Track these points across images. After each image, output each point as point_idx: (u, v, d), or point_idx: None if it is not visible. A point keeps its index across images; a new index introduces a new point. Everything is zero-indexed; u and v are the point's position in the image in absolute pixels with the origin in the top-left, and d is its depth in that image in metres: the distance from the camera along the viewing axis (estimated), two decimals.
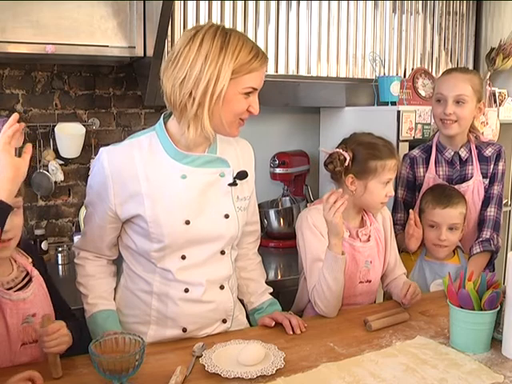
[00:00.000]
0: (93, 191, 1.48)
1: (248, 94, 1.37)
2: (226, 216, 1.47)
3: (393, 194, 1.74)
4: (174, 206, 1.41)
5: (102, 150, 1.44)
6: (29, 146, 1.23)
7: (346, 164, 1.68)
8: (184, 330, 1.48)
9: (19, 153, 1.22)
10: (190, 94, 1.33)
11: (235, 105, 1.36)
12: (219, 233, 1.47)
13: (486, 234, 1.98)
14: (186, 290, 1.45)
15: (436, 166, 2.05)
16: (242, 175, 1.50)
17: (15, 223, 1.28)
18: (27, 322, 1.30)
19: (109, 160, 1.41)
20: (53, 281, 1.45)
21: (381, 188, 1.69)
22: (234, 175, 1.48)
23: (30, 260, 1.39)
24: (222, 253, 1.50)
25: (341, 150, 1.70)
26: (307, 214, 1.74)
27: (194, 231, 1.43)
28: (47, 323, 1.26)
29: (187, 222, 1.41)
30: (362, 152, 1.69)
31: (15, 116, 1.19)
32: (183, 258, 1.44)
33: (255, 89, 1.38)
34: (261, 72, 1.38)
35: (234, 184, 1.48)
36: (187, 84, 1.33)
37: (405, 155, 2.14)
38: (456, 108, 1.94)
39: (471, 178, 2.02)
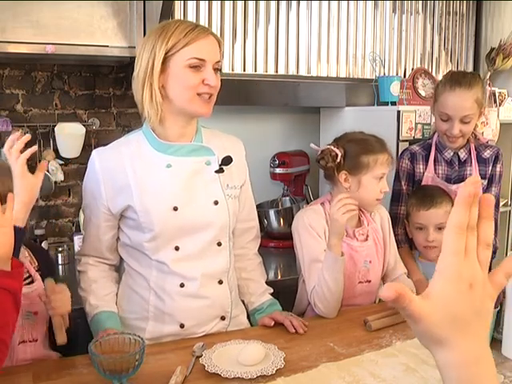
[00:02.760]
0: (87, 192, 1.52)
1: (196, 67, 1.40)
2: (216, 202, 1.49)
3: (387, 189, 1.73)
4: (161, 194, 1.45)
5: (93, 152, 1.51)
6: (43, 164, 1.32)
7: (338, 160, 1.68)
8: (182, 325, 1.49)
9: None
10: (143, 82, 1.41)
11: (183, 79, 1.40)
12: (209, 220, 1.48)
13: None
14: (182, 285, 1.47)
15: (435, 166, 2.05)
16: (227, 160, 1.52)
17: None
18: (27, 317, 1.30)
19: (99, 159, 1.48)
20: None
21: (375, 183, 1.69)
22: (220, 162, 1.51)
23: (36, 264, 1.39)
24: (219, 244, 1.51)
25: (332, 147, 1.70)
26: (303, 214, 1.75)
27: (184, 218, 1.45)
28: (51, 285, 1.29)
29: (175, 209, 1.44)
30: (354, 148, 1.69)
31: (24, 138, 1.29)
32: (177, 249, 1.46)
33: (201, 60, 1.40)
34: (202, 42, 1.41)
35: (220, 171, 1.50)
36: (139, 74, 1.43)
37: (405, 149, 2.13)
38: (462, 126, 1.92)
39: None
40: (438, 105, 1.96)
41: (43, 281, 1.38)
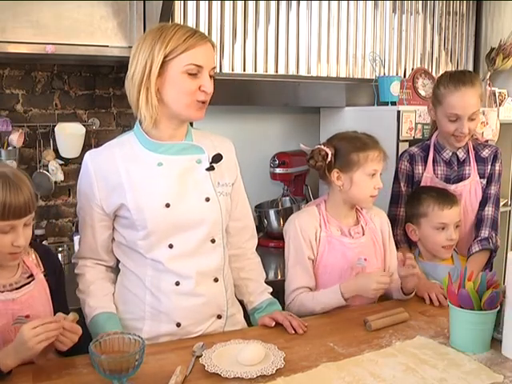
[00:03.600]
0: (81, 193, 1.54)
1: (193, 74, 1.41)
2: (207, 199, 1.50)
3: (381, 185, 1.73)
4: (153, 192, 1.46)
5: (86, 154, 1.52)
6: None
7: (329, 159, 1.70)
8: (178, 324, 1.49)
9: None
10: (139, 85, 1.42)
11: (181, 85, 1.42)
12: (201, 216, 1.49)
13: (485, 233, 1.98)
14: (177, 283, 1.47)
15: (434, 166, 2.05)
16: (217, 158, 1.53)
17: (27, 236, 1.31)
18: (19, 322, 1.28)
19: (92, 160, 1.50)
20: (63, 292, 1.46)
21: (367, 180, 1.70)
22: (210, 160, 1.52)
23: (43, 269, 1.39)
24: (213, 241, 1.52)
25: (322, 146, 1.72)
26: (296, 218, 1.77)
27: (176, 215, 1.46)
28: (72, 320, 1.28)
29: (167, 205, 1.45)
30: (344, 145, 1.71)
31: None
32: (171, 246, 1.47)
33: (199, 66, 1.42)
34: (200, 49, 1.42)
35: (211, 168, 1.52)
36: (134, 76, 1.43)
37: (404, 151, 2.14)
38: (470, 123, 1.94)
39: (468, 177, 2.03)
40: (445, 108, 1.95)
41: (49, 285, 1.39)
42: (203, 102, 1.46)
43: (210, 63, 1.45)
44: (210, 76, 1.45)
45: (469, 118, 1.93)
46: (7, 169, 1.29)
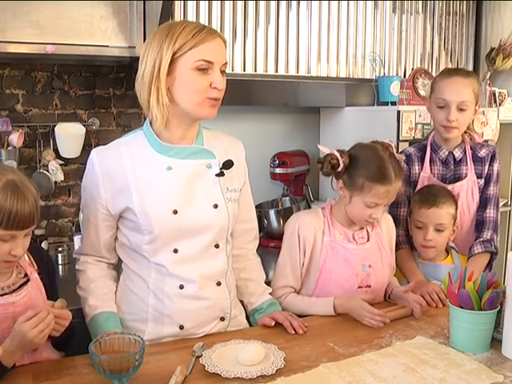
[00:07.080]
0: (86, 192, 1.52)
1: (203, 70, 1.39)
2: (215, 206, 1.48)
3: (377, 217, 1.64)
4: (161, 197, 1.44)
5: (92, 151, 1.50)
6: None
7: (339, 170, 1.63)
8: (181, 327, 1.48)
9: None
10: (150, 85, 1.40)
11: (191, 82, 1.39)
12: (208, 222, 1.48)
13: (487, 234, 1.98)
14: (181, 287, 1.46)
15: (431, 166, 2.05)
16: (228, 164, 1.51)
17: (26, 245, 1.30)
18: None
19: (98, 158, 1.47)
20: (56, 290, 1.45)
21: (363, 207, 1.63)
22: (221, 166, 1.50)
23: (36, 268, 1.39)
24: (217, 246, 1.51)
25: (336, 153, 1.64)
26: (297, 218, 1.75)
27: (183, 221, 1.44)
28: (60, 307, 1.28)
29: (175, 212, 1.43)
30: (359, 163, 1.62)
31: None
32: (175, 251, 1.46)
33: (209, 62, 1.39)
34: (210, 44, 1.39)
35: (221, 174, 1.50)
36: (144, 76, 1.41)
37: (400, 152, 2.14)
38: (458, 114, 1.93)
39: (465, 177, 2.02)
40: (436, 94, 1.98)
41: (44, 285, 1.38)
42: (216, 100, 1.42)
43: (221, 59, 1.41)
44: (222, 72, 1.42)
45: (458, 107, 1.92)
46: (16, 177, 1.26)
